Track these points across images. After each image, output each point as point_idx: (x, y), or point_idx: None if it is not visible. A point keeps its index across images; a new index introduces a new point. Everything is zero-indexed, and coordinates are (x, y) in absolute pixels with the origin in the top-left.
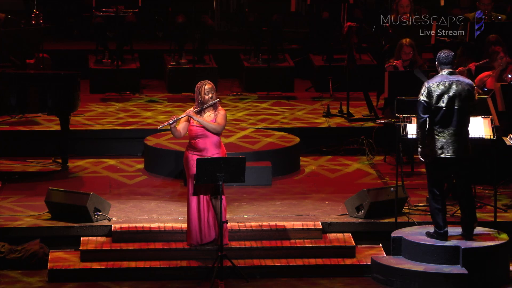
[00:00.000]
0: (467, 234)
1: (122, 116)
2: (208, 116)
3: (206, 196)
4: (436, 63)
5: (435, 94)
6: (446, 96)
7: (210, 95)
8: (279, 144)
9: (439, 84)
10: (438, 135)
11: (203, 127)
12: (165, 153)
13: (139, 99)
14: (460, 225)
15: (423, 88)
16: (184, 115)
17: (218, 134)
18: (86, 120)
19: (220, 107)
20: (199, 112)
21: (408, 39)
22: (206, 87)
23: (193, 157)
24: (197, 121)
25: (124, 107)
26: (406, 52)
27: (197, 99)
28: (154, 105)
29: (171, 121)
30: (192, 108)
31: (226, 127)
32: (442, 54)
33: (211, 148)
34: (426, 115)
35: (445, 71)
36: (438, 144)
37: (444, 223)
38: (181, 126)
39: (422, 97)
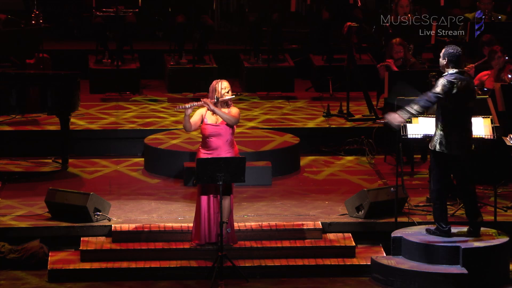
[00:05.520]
0: (474, 231)
1: (122, 116)
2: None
3: (216, 195)
4: (446, 58)
5: (450, 91)
6: (457, 94)
7: (227, 90)
8: (279, 144)
9: (454, 82)
10: (443, 131)
11: (216, 124)
12: (165, 153)
13: (139, 99)
14: (462, 224)
15: (442, 83)
16: (202, 102)
17: (232, 125)
18: (86, 120)
19: (233, 106)
20: (215, 105)
21: (398, 39)
22: (224, 83)
23: (204, 157)
24: (212, 110)
25: (124, 107)
26: (396, 51)
27: (212, 96)
28: (154, 105)
29: (188, 105)
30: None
31: None
32: (452, 50)
33: (224, 147)
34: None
35: (455, 70)
36: (441, 140)
37: (447, 219)
38: (194, 121)
39: (439, 90)
